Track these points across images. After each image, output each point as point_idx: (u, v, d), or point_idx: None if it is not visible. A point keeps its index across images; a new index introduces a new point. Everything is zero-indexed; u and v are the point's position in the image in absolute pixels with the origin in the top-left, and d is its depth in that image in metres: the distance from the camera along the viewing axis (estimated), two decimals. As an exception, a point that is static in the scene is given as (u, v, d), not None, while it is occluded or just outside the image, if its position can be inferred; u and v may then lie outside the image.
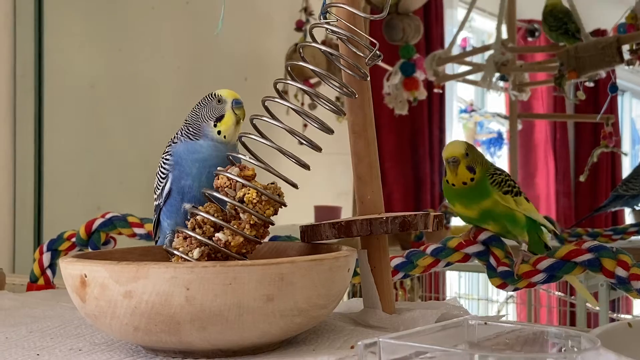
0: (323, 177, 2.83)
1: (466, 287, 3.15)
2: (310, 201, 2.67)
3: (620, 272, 0.86)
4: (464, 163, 0.90)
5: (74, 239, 1.14)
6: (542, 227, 0.95)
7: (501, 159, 3.94)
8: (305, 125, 1.75)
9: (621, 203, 2.30)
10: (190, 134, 0.80)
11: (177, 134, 0.82)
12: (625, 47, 2.32)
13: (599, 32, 3.75)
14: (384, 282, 0.80)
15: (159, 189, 0.81)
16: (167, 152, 0.81)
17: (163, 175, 0.80)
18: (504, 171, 0.93)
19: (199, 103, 0.82)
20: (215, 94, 0.81)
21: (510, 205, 0.90)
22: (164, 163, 0.81)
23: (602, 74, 2.37)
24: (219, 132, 0.79)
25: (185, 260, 0.69)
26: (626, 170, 4.89)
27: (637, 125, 6.05)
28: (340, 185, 3.03)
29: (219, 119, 0.79)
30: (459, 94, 4.03)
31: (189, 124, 0.81)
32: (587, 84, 2.48)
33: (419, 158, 3.48)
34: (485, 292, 3.13)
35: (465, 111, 4.05)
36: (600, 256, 0.87)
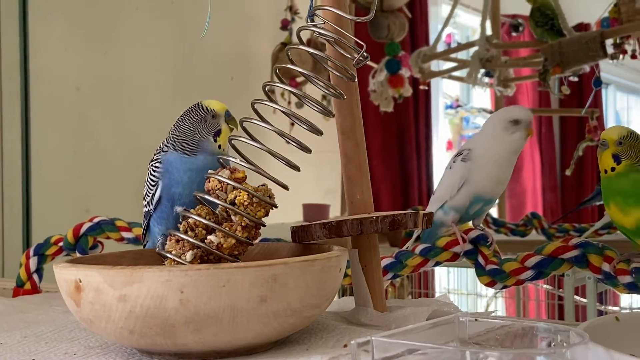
0: (311, 175, 2.84)
1: (455, 283, 3.17)
2: (298, 199, 2.67)
3: (607, 267, 0.87)
4: (611, 149, 0.82)
5: (61, 244, 1.14)
6: None
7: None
8: (292, 124, 1.76)
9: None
10: (187, 150, 0.80)
11: (166, 144, 0.82)
12: (609, 41, 2.34)
13: (582, 26, 3.78)
14: (374, 281, 0.81)
15: (148, 196, 0.82)
16: (156, 159, 0.81)
17: (153, 183, 0.81)
18: None
19: (190, 117, 0.81)
20: (207, 108, 0.81)
21: None
22: (154, 170, 0.81)
23: (586, 68, 2.39)
24: (219, 147, 0.80)
25: (178, 263, 0.70)
26: (611, 163, 4.91)
27: (622, 118, 6.10)
28: (328, 183, 3.04)
29: (217, 133, 0.80)
30: (445, 90, 4.05)
31: (183, 139, 0.81)
32: (571, 78, 2.51)
33: (406, 155, 3.50)
34: (474, 287, 3.15)
35: (451, 107, 4.07)
36: (587, 252, 0.88)
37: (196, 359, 0.65)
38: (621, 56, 2.33)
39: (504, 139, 0.97)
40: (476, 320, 0.64)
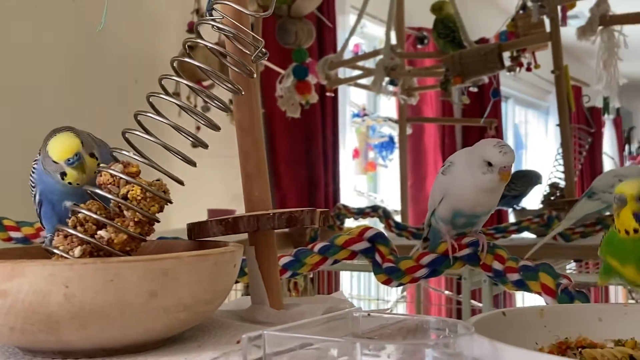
0: (217, 180, 2.81)
1: (359, 288, 3.21)
2: (204, 204, 2.64)
3: (497, 265, 0.90)
4: (631, 207, 0.68)
5: (-57, 245, 1.08)
6: None
7: (392, 163, 4.04)
8: (198, 128, 1.73)
9: (502, 203, 2.40)
10: (46, 172, 0.74)
11: (41, 151, 0.75)
12: (507, 54, 2.44)
13: (484, 41, 3.92)
14: (271, 278, 0.81)
15: (32, 195, 0.79)
16: (36, 160, 0.77)
17: (33, 185, 0.78)
18: None
19: (42, 148, 0.73)
20: (47, 152, 0.72)
21: None
22: (32, 173, 0.77)
23: (485, 79, 2.48)
24: (69, 183, 0.72)
25: (66, 259, 0.67)
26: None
27: (521, 130, 6.36)
28: (234, 187, 3.00)
29: (63, 174, 0.72)
30: (352, 99, 4.10)
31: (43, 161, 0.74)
32: (471, 89, 2.60)
33: (313, 161, 3.52)
34: (377, 292, 3.20)
35: (358, 115, 4.12)
36: (478, 251, 0.91)
37: (83, 358, 0.62)
38: (518, 68, 2.44)
39: (475, 174, 0.87)
40: (369, 315, 0.65)
